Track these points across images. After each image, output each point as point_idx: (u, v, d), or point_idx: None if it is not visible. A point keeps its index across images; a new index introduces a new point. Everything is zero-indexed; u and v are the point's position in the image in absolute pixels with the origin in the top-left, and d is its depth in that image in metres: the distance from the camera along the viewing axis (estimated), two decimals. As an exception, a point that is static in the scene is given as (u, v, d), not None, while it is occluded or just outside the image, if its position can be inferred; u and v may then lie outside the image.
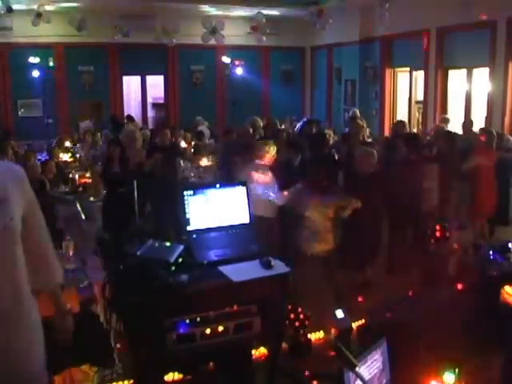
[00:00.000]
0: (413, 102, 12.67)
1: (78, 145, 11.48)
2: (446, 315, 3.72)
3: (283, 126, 11.87)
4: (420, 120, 12.36)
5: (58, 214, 6.97)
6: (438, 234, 5.75)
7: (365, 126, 10.00)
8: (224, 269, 3.08)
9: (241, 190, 3.52)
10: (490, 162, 7.10)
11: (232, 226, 3.44)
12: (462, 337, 3.53)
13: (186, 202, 3.36)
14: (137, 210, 3.58)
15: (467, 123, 9.32)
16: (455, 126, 9.95)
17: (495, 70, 10.01)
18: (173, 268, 3.04)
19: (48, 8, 11.36)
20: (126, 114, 13.82)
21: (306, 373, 3.58)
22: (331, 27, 11.57)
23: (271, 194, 5.60)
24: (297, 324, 4.29)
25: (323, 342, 4.40)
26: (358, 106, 13.57)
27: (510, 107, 10.02)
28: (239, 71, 14.67)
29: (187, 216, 3.35)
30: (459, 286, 4.34)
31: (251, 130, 8.68)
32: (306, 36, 15.20)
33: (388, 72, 13.15)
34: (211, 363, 3.50)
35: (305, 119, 12.65)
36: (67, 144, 10.96)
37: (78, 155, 10.48)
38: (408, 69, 12.59)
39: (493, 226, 7.64)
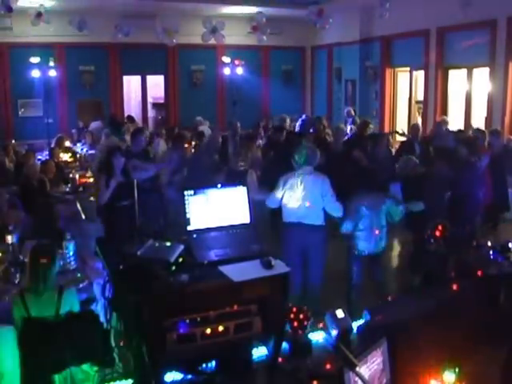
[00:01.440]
0: (413, 102, 12.68)
1: (77, 144, 11.50)
2: (446, 315, 3.72)
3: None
4: (420, 120, 12.37)
5: (58, 214, 6.97)
6: (438, 233, 5.75)
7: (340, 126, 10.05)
8: (224, 269, 3.08)
9: (241, 191, 3.53)
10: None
11: (232, 226, 3.45)
12: (462, 336, 3.52)
13: (186, 202, 3.36)
14: (137, 210, 3.59)
15: (442, 121, 9.52)
16: (455, 125, 9.98)
17: (495, 70, 10.01)
18: (173, 268, 3.04)
19: (47, 5, 11.34)
20: (126, 115, 13.82)
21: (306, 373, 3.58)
22: (331, 27, 11.58)
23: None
24: (297, 324, 4.28)
25: (323, 342, 4.39)
26: (358, 105, 13.59)
27: (510, 107, 10.03)
28: (239, 71, 14.67)
29: (187, 216, 3.35)
30: (459, 286, 4.34)
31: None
32: (307, 36, 15.21)
33: (388, 72, 13.16)
34: (211, 363, 3.50)
35: (303, 117, 12.68)
36: (67, 144, 10.97)
37: (78, 155, 10.49)
38: (408, 69, 12.59)
39: (497, 220, 7.72)
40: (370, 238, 5.19)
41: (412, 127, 9.71)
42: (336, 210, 5.16)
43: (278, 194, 5.20)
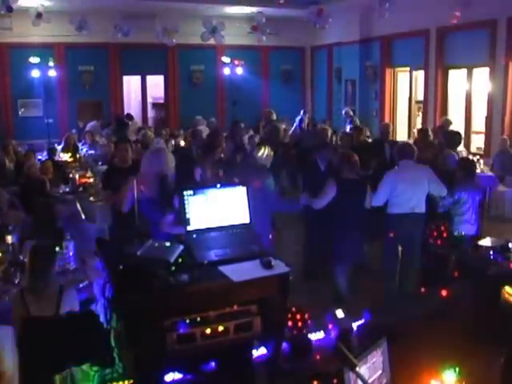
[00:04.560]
0: (413, 102, 12.68)
1: (78, 144, 11.50)
2: (446, 315, 3.72)
3: (283, 126, 11.86)
4: (420, 120, 12.38)
5: (58, 214, 6.97)
6: (437, 233, 5.75)
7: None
8: (224, 269, 3.08)
9: (241, 190, 3.52)
10: None
11: (232, 226, 3.44)
12: (462, 337, 3.52)
13: (186, 202, 3.35)
14: (136, 212, 3.58)
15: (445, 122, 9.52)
16: (455, 125, 9.97)
17: (495, 70, 10.01)
18: (173, 268, 3.04)
19: (47, 5, 11.34)
20: (125, 113, 13.83)
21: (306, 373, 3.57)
22: (331, 27, 11.58)
23: None
24: (298, 324, 4.28)
25: (323, 342, 4.39)
26: (358, 105, 13.59)
27: (510, 107, 10.03)
28: (239, 71, 14.67)
29: (187, 216, 3.35)
30: (459, 286, 4.34)
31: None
32: (306, 36, 15.20)
33: (388, 72, 13.16)
34: (211, 363, 3.50)
35: (302, 112, 12.68)
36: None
37: (78, 155, 10.49)
38: (408, 68, 12.60)
39: None
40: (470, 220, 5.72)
41: (382, 127, 9.20)
42: (441, 191, 5.63)
43: (383, 191, 5.57)
